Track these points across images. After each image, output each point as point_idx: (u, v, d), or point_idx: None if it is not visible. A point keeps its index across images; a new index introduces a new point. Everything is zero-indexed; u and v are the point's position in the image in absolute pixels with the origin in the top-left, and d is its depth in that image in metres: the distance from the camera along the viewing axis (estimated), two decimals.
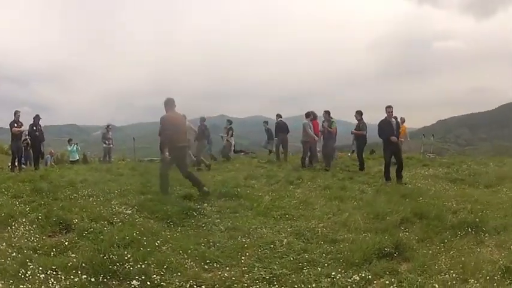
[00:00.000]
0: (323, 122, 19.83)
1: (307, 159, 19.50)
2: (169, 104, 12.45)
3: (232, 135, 24.91)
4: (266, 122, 27.04)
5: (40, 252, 7.50)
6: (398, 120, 16.54)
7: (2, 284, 5.91)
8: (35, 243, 7.94)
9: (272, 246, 7.40)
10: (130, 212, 9.99)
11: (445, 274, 6.15)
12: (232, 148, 25.95)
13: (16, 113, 19.89)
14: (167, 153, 11.68)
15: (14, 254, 7.17)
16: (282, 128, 22.44)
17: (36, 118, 21.40)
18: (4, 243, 7.83)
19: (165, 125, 12.36)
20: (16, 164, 20.62)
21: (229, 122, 26.07)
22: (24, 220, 9.29)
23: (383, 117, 15.13)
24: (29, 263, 6.58)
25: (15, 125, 19.64)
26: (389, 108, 15.67)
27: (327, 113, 19.87)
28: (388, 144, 14.84)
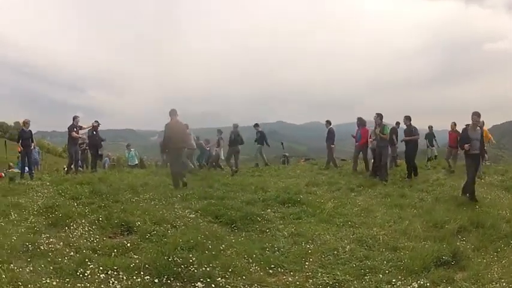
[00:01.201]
0: (374, 127, 18.00)
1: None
2: (172, 113, 15.13)
3: (220, 146, 24.29)
4: (257, 125, 26.32)
5: (100, 252, 7.67)
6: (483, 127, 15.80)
7: (57, 282, 6.06)
8: (95, 244, 8.13)
9: (335, 252, 7.46)
10: (193, 216, 10.08)
11: (496, 283, 6.21)
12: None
13: (75, 118, 20.43)
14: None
15: (72, 253, 7.40)
16: (331, 134, 22.36)
17: (96, 123, 22.20)
18: (61, 243, 8.07)
19: (166, 130, 15.04)
20: (72, 166, 21.06)
21: (220, 132, 25.35)
22: (83, 221, 9.48)
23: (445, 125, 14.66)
24: (88, 263, 6.79)
25: (75, 129, 20.19)
26: (475, 116, 13.11)
27: (379, 116, 17.86)
28: (473, 158, 13.02)
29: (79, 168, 22.56)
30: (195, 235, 8.13)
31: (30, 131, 19.16)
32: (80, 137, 21.17)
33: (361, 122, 19.83)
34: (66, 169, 21.91)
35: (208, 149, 24.79)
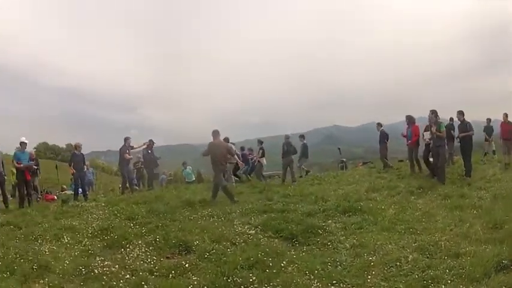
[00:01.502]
0: (430, 126, 16.83)
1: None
2: (214, 134, 16.30)
3: (263, 156, 24.23)
4: (302, 136, 24.95)
5: (157, 274, 7.70)
6: None
7: None
8: (152, 265, 8.15)
9: (398, 263, 7.37)
10: (253, 232, 10.03)
11: None
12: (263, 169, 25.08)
13: (126, 140, 20.95)
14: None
15: (128, 276, 7.49)
16: (382, 137, 22.09)
17: (151, 142, 22.75)
18: (117, 265, 8.15)
19: (209, 149, 16.19)
20: (127, 185, 21.55)
21: (260, 142, 25.46)
22: (139, 242, 9.48)
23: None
24: (144, 285, 6.87)
25: (127, 151, 20.63)
26: None
27: (434, 113, 16.93)
28: None
29: (135, 187, 22.94)
30: (255, 252, 8.13)
31: (82, 154, 19.67)
32: (131, 158, 21.66)
33: (410, 120, 19.29)
34: (121, 189, 22.46)
35: (252, 160, 24.64)
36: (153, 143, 23.24)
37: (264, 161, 23.96)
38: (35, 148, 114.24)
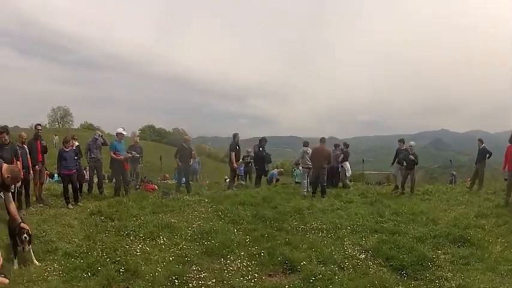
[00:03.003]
0: None
1: None
2: (322, 140, 19.88)
3: (345, 160, 22.94)
4: (345, 145, 23.95)
5: None
6: None
7: None
8: (252, 283, 7.98)
9: None
10: (363, 256, 9.77)
11: None
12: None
13: (235, 136, 21.24)
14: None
15: None
16: (482, 153, 21.12)
17: (263, 140, 22.95)
18: (214, 279, 8.02)
19: (312, 152, 19.52)
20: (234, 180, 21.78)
21: (346, 145, 24.26)
22: (242, 253, 9.38)
23: None
24: None
25: (237, 147, 20.93)
26: None
27: None
28: None
29: (241, 182, 23.09)
30: (363, 282, 8.00)
31: (190, 147, 19.96)
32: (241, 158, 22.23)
33: None
34: (228, 181, 22.89)
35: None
36: (266, 141, 23.43)
37: (347, 165, 23.14)
38: (140, 130, 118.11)
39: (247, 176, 25.90)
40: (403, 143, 21.85)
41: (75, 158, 16.00)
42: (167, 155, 32.37)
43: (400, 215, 14.24)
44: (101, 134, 18.51)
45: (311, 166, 19.82)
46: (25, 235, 8.42)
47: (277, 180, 26.34)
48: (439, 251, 10.35)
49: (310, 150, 20.40)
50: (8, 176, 8.28)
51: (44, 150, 16.03)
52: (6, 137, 12.45)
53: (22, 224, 8.57)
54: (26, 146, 14.58)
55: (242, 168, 24.46)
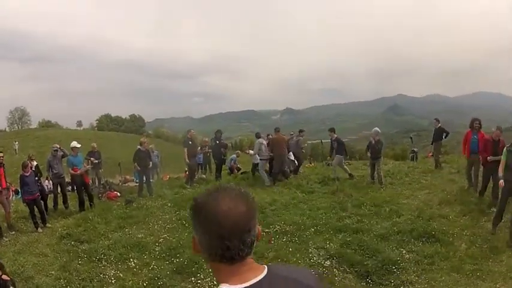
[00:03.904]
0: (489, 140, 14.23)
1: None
2: (276, 130, 20.57)
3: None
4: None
5: None
6: None
7: None
8: None
9: None
10: (328, 263, 9.68)
11: None
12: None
13: (188, 132, 22.04)
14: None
15: None
16: (438, 133, 20.90)
17: (218, 132, 23.27)
18: None
19: (271, 142, 20.19)
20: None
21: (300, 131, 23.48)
22: (210, 270, 9.22)
23: None
24: None
25: (190, 142, 21.10)
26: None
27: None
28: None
29: (203, 175, 23.13)
30: None
31: (147, 150, 19.81)
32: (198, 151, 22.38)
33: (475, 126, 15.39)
34: (185, 180, 22.36)
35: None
36: (221, 133, 23.76)
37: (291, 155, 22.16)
38: (97, 120, 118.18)
39: (208, 166, 25.79)
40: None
41: (36, 179, 15.98)
42: (125, 145, 32.10)
43: (363, 207, 14.19)
44: (59, 146, 18.20)
45: (268, 157, 20.20)
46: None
47: (238, 170, 25.86)
48: (403, 250, 10.31)
49: (265, 141, 20.58)
50: None
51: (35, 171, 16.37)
52: None
53: (3, 276, 8.16)
54: None
55: (201, 156, 24.14)
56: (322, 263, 9.72)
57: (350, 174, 20.09)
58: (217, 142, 22.67)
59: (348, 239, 10.92)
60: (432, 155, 23.23)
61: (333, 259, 9.89)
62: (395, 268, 9.26)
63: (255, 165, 21.26)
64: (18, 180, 15.63)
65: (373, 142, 18.81)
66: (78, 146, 17.96)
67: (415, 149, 29.60)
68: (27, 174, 15.31)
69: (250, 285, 1.95)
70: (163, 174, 29.26)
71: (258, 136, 21.55)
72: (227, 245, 1.86)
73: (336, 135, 20.36)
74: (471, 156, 15.29)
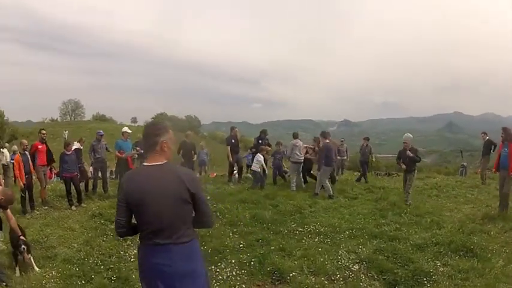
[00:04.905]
0: None
1: None
2: (328, 135, 18.57)
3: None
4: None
5: None
6: None
7: None
8: None
9: None
10: (357, 268, 9.27)
11: None
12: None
13: (232, 129, 21.78)
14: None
15: None
16: (487, 147, 20.69)
17: (262, 133, 22.79)
18: None
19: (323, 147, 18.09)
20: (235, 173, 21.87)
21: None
22: (233, 261, 9.14)
23: None
24: None
25: (233, 141, 20.92)
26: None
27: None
28: None
29: (248, 174, 22.92)
30: None
31: (192, 143, 20.39)
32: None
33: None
34: (228, 175, 22.45)
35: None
36: (266, 134, 23.09)
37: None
38: (152, 118, 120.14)
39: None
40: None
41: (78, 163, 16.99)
42: (177, 143, 32.10)
43: (404, 216, 13.78)
44: (105, 143, 19.15)
45: (301, 160, 19.59)
46: (22, 246, 9.10)
47: (284, 173, 24.49)
48: (438, 262, 9.77)
49: (299, 143, 19.76)
50: (1, 198, 8.80)
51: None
52: None
53: (21, 237, 9.29)
54: (27, 153, 15.43)
55: (249, 157, 23.90)
56: (350, 266, 9.32)
57: (330, 196, 17.38)
58: (259, 141, 22.25)
59: (382, 246, 10.53)
60: (480, 171, 22.72)
61: (362, 264, 9.49)
62: (426, 280, 8.78)
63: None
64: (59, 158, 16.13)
65: (408, 150, 16.54)
66: (129, 131, 18.86)
67: (464, 164, 29.15)
68: (68, 152, 16.17)
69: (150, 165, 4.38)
70: (210, 172, 29.27)
71: (295, 136, 20.15)
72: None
73: (327, 141, 18.59)
74: (500, 171, 14.30)
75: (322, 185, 17.78)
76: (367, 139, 24.20)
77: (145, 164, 4.45)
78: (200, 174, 23.60)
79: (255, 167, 19.28)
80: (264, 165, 19.34)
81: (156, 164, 4.34)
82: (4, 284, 8.35)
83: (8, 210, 9.27)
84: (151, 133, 4.46)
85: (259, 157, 19.44)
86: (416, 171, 17.03)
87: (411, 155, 16.15)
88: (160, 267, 4.25)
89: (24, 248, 9.10)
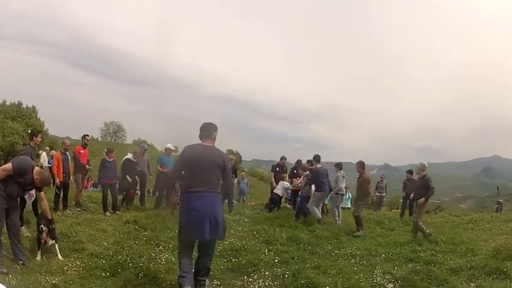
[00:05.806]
0: None
1: None
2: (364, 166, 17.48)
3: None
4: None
5: None
6: None
7: None
8: None
9: None
10: (391, 286, 9.28)
11: None
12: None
13: (281, 159, 22.13)
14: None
15: None
16: None
17: (282, 159, 22.84)
18: None
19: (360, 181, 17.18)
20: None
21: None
22: (267, 273, 9.06)
23: None
24: None
25: (277, 169, 21.68)
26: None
27: None
28: None
29: (287, 205, 22.92)
30: None
31: (233, 166, 19.95)
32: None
33: None
34: (266, 205, 22.20)
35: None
36: (285, 159, 23.10)
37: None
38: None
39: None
40: (411, 174, 21.68)
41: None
42: None
43: (440, 245, 13.76)
44: (147, 158, 19.82)
45: (344, 192, 19.03)
46: (41, 226, 9.30)
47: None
48: (472, 284, 9.81)
49: (344, 174, 18.58)
50: (37, 178, 8.94)
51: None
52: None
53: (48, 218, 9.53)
54: (68, 153, 15.72)
55: (290, 192, 23.86)
56: (385, 284, 9.36)
57: (319, 220, 16.90)
58: (277, 169, 22.35)
59: (418, 268, 10.51)
60: None
61: (398, 282, 9.52)
62: None
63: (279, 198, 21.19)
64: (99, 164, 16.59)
65: (418, 178, 16.75)
66: (173, 148, 19.13)
67: (500, 200, 28.98)
68: (110, 160, 16.56)
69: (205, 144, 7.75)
70: (249, 201, 29.56)
71: (339, 167, 18.46)
72: None
73: (319, 165, 18.07)
74: None
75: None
76: (410, 172, 23.50)
77: (201, 143, 7.65)
78: (238, 201, 23.84)
79: (278, 190, 20.17)
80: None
81: (208, 145, 7.64)
82: (21, 262, 8.57)
83: (42, 192, 9.60)
84: (210, 127, 7.80)
85: (285, 183, 20.26)
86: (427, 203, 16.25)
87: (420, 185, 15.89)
88: (196, 206, 7.25)
89: (42, 228, 9.24)
